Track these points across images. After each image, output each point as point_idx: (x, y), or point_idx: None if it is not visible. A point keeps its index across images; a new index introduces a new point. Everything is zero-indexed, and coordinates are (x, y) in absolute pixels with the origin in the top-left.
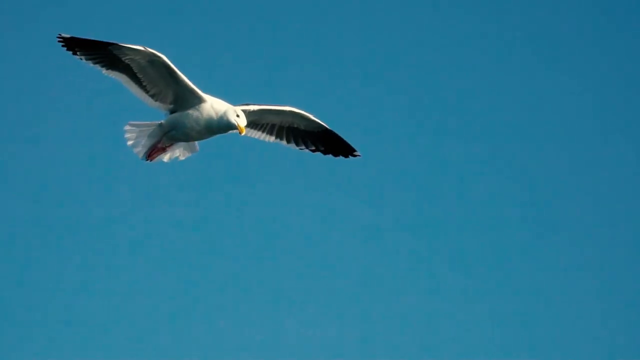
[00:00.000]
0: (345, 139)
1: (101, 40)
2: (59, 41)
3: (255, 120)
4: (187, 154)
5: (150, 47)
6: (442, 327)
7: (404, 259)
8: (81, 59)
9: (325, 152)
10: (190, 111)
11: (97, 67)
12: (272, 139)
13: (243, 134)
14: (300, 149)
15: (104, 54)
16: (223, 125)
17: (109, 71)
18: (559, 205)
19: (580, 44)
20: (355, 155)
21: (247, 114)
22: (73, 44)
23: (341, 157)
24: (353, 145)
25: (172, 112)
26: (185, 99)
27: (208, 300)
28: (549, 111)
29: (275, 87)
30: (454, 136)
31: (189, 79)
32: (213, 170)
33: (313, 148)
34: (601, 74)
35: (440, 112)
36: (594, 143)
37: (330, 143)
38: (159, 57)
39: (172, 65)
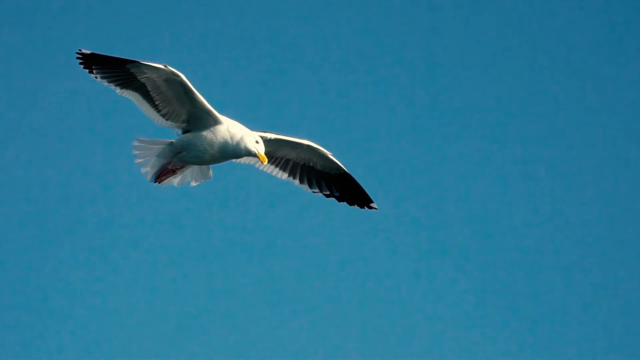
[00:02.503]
0: (363, 186)
1: (121, 57)
2: (78, 58)
3: (270, 152)
4: (200, 180)
5: (170, 65)
6: (443, 327)
7: (406, 259)
8: (96, 77)
9: (340, 199)
10: (204, 133)
11: (112, 86)
12: (285, 175)
13: (265, 163)
14: (314, 191)
15: (121, 72)
16: (240, 151)
17: (123, 90)
18: (562, 206)
19: (586, 43)
20: (371, 208)
21: (264, 142)
22: (91, 62)
23: (356, 207)
24: (370, 195)
25: (184, 131)
26: (199, 119)
27: (208, 300)
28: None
29: (274, 95)
30: (454, 136)
31: (205, 98)
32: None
33: (327, 192)
34: (606, 74)
35: (442, 113)
36: (600, 143)
37: (346, 188)
38: (177, 75)
39: (190, 85)
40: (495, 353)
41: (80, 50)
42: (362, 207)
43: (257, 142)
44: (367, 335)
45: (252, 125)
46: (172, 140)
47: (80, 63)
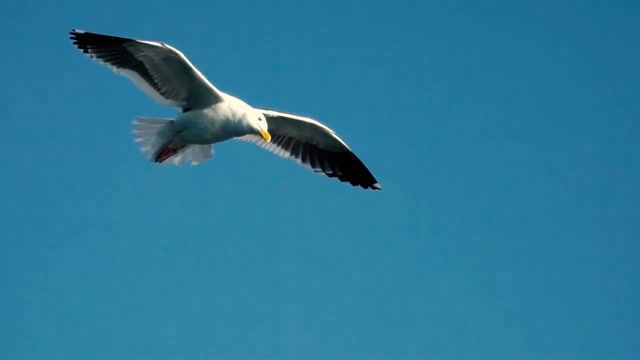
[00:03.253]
0: (366, 166)
1: (116, 36)
2: (72, 38)
3: (272, 130)
4: (201, 159)
5: (167, 43)
6: (448, 326)
7: (411, 257)
8: (92, 57)
9: (343, 179)
10: (205, 111)
11: (108, 65)
12: (287, 154)
13: (268, 140)
14: (316, 170)
15: (117, 51)
16: (242, 129)
17: (120, 69)
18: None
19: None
20: (374, 188)
21: (266, 120)
22: (86, 41)
23: (359, 187)
24: (374, 175)
25: (185, 109)
26: (200, 97)
27: (207, 300)
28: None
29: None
30: (459, 116)
31: (205, 75)
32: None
33: (330, 172)
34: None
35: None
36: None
37: (349, 168)
38: (175, 53)
39: (189, 63)
40: (506, 346)
41: (74, 30)
42: (365, 187)
43: (259, 119)
44: (368, 327)
45: (253, 103)
46: (173, 119)
47: (75, 43)
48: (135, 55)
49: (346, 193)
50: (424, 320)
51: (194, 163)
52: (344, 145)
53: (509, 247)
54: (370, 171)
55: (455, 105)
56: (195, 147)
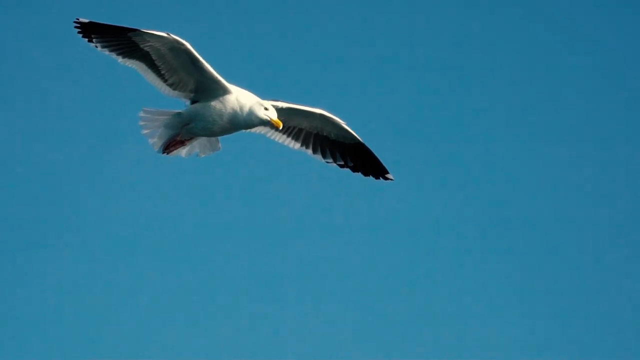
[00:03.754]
0: (378, 157)
1: (121, 25)
2: (76, 27)
3: (283, 121)
4: (208, 152)
5: (173, 34)
6: (450, 326)
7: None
8: (96, 46)
9: (354, 169)
10: (213, 103)
11: (113, 55)
12: (298, 145)
13: (280, 127)
14: (327, 162)
15: (123, 40)
16: (251, 122)
17: (126, 59)
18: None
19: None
20: (387, 178)
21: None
22: (90, 30)
23: (371, 178)
24: (386, 166)
25: (192, 101)
26: (207, 89)
27: (208, 299)
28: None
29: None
30: (472, 105)
31: (212, 67)
32: (216, 165)
33: (342, 163)
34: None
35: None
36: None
37: (361, 159)
38: (182, 44)
39: (196, 54)
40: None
41: (78, 19)
42: (377, 177)
43: (266, 109)
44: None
45: (262, 94)
46: (180, 111)
47: (79, 32)
48: (141, 46)
49: (358, 184)
50: (426, 320)
51: (201, 155)
52: (355, 136)
53: (507, 246)
54: (382, 162)
55: (465, 99)
56: (203, 140)
